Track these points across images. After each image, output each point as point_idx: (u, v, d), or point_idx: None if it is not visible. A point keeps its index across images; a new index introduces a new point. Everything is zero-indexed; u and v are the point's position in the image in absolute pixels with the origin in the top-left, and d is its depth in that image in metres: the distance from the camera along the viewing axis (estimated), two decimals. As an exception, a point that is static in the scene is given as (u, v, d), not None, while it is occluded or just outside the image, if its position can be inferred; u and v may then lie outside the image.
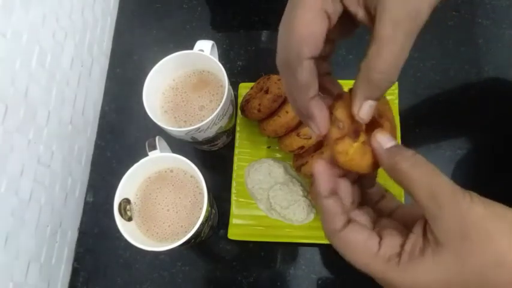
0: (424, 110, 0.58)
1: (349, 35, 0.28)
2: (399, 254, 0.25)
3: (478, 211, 0.23)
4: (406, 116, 0.55)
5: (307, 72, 0.25)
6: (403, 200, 0.51)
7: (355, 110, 0.25)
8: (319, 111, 0.26)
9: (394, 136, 0.27)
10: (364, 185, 0.31)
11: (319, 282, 0.52)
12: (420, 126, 0.56)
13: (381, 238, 0.26)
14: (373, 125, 0.26)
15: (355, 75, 0.25)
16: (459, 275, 0.23)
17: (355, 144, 0.26)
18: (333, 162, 0.27)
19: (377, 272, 0.25)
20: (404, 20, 0.23)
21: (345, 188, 0.29)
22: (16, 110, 0.47)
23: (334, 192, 0.27)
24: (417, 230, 0.25)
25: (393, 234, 0.26)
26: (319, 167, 0.27)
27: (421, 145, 0.56)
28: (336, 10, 0.24)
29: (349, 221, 0.27)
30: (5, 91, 0.45)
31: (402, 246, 0.25)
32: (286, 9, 0.26)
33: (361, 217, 0.28)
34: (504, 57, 0.59)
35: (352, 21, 0.25)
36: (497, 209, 0.24)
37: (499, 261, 0.23)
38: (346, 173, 0.29)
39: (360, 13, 0.24)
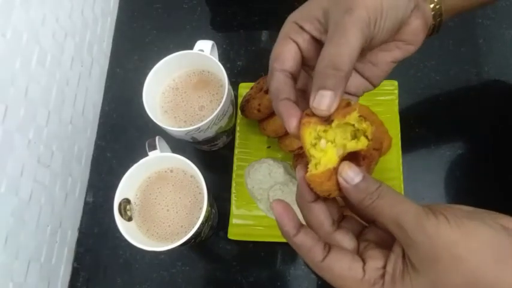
0: (424, 110, 0.58)
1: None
2: (382, 276, 0.26)
3: (445, 233, 0.24)
4: (406, 116, 0.55)
5: (276, 81, 0.30)
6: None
7: (310, 101, 0.27)
8: (284, 110, 0.29)
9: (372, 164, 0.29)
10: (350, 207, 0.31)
11: (319, 282, 0.52)
12: (420, 126, 0.56)
13: (364, 262, 0.27)
14: (353, 157, 0.27)
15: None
16: None
17: (325, 170, 0.27)
18: (307, 189, 0.29)
19: None
20: (346, 23, 0.26)
21: (321, 212, 0.29)
22: (16, 110, 0.47)
23: (301, 226, 0.29)
24: (396, 250, 0.26)
25: (375, 256, 0.27)
26: (278, 209, 0.29)
27: (421, 145, 0.56)
28: (302, 37, 0.30)
29: (329, 247, 0.28)
30: (5, 91, 0.45)
31: (384, 267, 0.26)
32: None
33: (344, 238, 0.29)
34: (504, 57, 0.59)
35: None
36: (467, 226, 0.24)
37: (471, 282, 0.23)
38: (317, 198, 0.29)
39: (323, 37, 0.29)
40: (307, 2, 0.31)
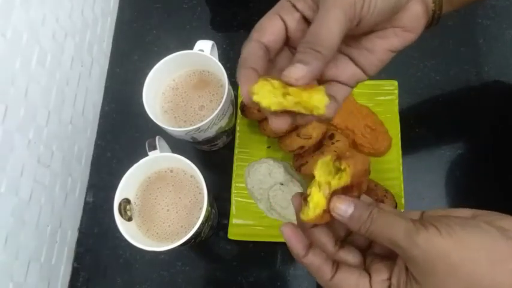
0: (424, 110, 0.58)
1: None
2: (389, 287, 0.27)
3: (437, 244, 0.24)
4: (406, 116, 0.55)
5: (248, 50, 0.30)
6: (402, 200, 0.51)
7: (283, 72, 0.27)
8: (243, 76, 0.28)
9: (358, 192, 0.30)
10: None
11: (319, 282, 0.52)
12: (420, 126, 0.56)
13: (370, 276, 0.28)
14: (345, 190, 0.29)
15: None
16: None
17: (317, 214, 0.28)
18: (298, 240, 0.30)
19: None
20: (330, 2, 0.27)
21: (323, 233, 0.30)
22: (16, 110, 0.47)
23: (310, 246, 0.30)
24: (399, 263, 0.28)
25: (381, 269, 0.28)
26: (287, 232, 0.30)
27: (421, 145, 0.56)
28: (291, 15, 0.30)
29: (337, 265, 0.29)
30: (5, 91, 0.45)
31: (389, 279, 0.28)
32: None
33: (349, 255, 0.30)
34: (504, 57, 0.59)
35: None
36: (459, 234, 0.25)
37: (470, 287, 0.24)
38: (314, 225, 0.30)
39: (306, 11, 0.29)
40: None
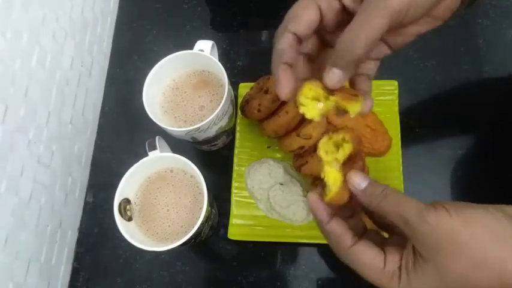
0: (424, 110, 0.58)
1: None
2: (400, 268, 0.29)
3: (446, 222, 0.26)
4: (406, 116, 0.55)
5: (284, 42, 0.29)
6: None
7: (324, 77, 0.29)
8: (283, 75, 0.30)
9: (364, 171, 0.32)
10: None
11: (319, 282, 0.52)
12: (420, 126, 0.56)
13: (385, 254, 0.30)
14: (350, 161, 0.31)
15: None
16: (443, 283, 0.26)
17: (337, 187, 0.30)
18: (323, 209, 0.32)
19: (384, 287, 0.29)
20: (374, 9, 0.26)
21: (343, 227, 0.32)
22: (16, 110, 0.47)
23: (333, 216, 0.31)
24: (408, 246, 0.29)
25: (393, 251, 0.30)
26: (312, 199, 0.32)
27: (421, 145, 0.56)
28: (331, 5, 0.29)
29: (358, 239, 0.31)
30: (5, 91, 0.45)
31: (400, 260, 0.29)
32: None
33: (367, 234, 0.32)
34: (504, 57, 0.59)
35: None
36: (467, 214, 0.26)
37: (476, 264, 0.25)
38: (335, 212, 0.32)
39: (352, 5, 0.29)
40: None
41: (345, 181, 0.30)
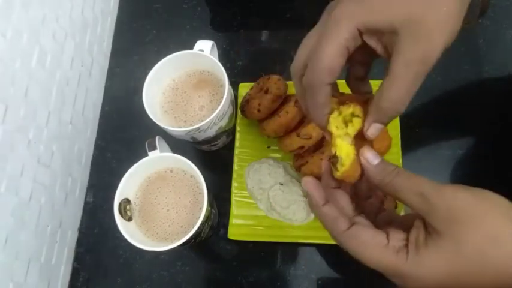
0: (424, 110, 0.58)
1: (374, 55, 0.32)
2: (406, 245, 0.27)
3: (462, 196, 0.26)
4: (406, 116, 0.55)
5: (325, 95, 0.29)
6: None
7: (364, 129, 0.30)
8: (320, 120, 0.31)
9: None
10: (360, 197, 0.33)
11: (319, 282, 0.52)
12: (420, 126, 0.56)
13: (387, 233, 0.28)
14: (359, 139, 0.31)
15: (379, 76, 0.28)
16: (460, 257, 0.25)
17: (350, 160, 0.30)
18: (330, 175, 0.32)
19: (389, 266, 0.27)
20: (415, 63, 0.27)
21: (343, 196, 0.32)
22: (16, 110, 0.47)
23: (328, 202, 0.31)
24: (418, 224, 0.28)
25: (397, 231, 0.28)
26: (308, 182, 0.31)
27: (421, 145, 0.56)
28: (356, 44, 0.28)
29: (353, 223, 0.30)
30: (5, 91, 0.45)
31: (407, 239, 0.28)
32: (316, 29, 0.30)
33: (364, 220, 0.31)
34: (504, 57, 0.59)
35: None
36: (480, 193, 0.26)
37: (493, 237, 0.25)
38: (340, 185, 0.32)
39: (379, 49, 0.29)
40: None
41: (357, 156, 0.30)
